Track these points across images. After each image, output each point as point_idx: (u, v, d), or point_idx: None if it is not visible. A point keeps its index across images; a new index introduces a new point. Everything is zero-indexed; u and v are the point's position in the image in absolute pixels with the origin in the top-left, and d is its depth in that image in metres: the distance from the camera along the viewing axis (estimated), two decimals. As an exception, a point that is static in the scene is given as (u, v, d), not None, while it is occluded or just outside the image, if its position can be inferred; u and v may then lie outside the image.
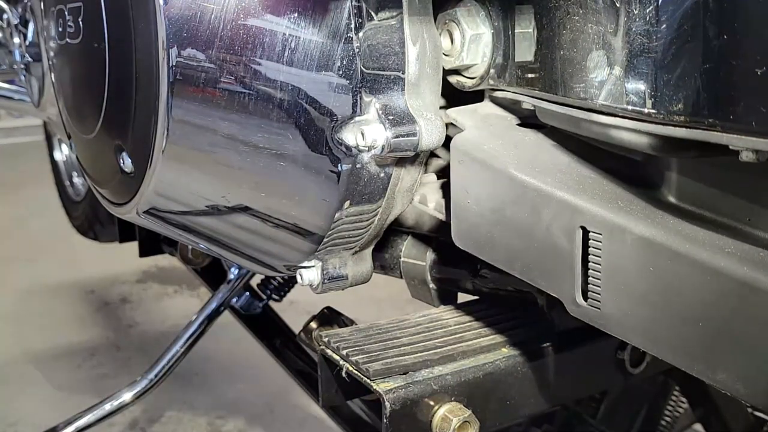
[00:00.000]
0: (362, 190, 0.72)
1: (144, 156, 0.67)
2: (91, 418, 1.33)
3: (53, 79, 0.90)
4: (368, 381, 0.71)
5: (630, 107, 0.53)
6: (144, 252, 1.63)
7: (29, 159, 3.97)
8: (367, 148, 0.68)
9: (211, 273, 1.57)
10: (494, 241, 0.67)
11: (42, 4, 0.88)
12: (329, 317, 1.01)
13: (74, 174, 2.33)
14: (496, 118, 0.73)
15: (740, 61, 0.46)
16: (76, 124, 0.83)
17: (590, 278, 0.58)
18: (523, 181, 0.63)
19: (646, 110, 0.52)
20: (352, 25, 0.67)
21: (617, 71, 0.55)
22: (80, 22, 0.75)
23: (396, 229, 0.85)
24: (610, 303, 0.57)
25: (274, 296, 1.47)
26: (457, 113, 0.73)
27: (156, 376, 1.36)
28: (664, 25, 0.50)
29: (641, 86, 0.52)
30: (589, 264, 0.57)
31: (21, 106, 1.59)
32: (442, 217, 0.79)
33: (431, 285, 0.88)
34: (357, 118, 0.68)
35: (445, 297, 0.90)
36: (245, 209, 0.71)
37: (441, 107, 0.75)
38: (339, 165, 0.69)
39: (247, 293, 1.47)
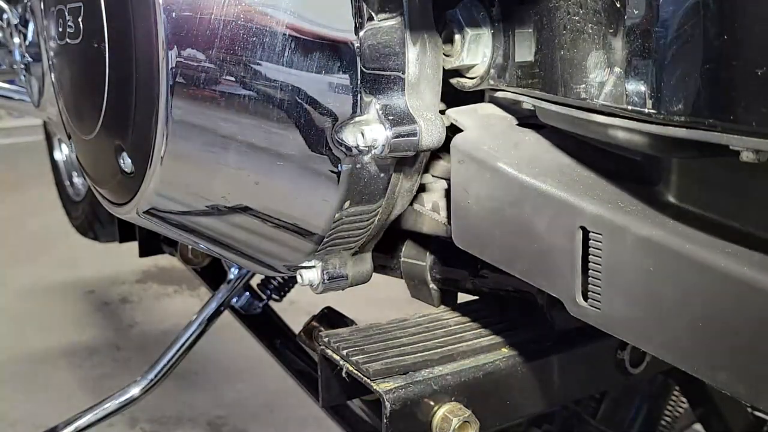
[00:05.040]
0: (362, 190, 0.72)
1: (144, 156, 0.67)
2: (91, 418, 1.33)
3: (53, 79, 0.90)
4: (368, 381, 0.71)
5: (630, 107, 0.53)
6: (144, 252, 1.63)
7: (29, 159, 3.97)
8: (367, 149, 0.68)
9: (211, 273, 1.57)
10: (494, 241, 0.67)
11: (42, 4, 0.88)
12: (329, 317, 1.01)
13: (74, 174, 2.32)
14: (496, 118, 0.73)
15: (740, 61, 0.46)
16: (76, 124, 0.83)
17: (590, 278, 0.58)
18: (523, 181, 0.63)
19: (646, 110, 0.52)
20: (353, 26, 0.67)
21: (617, 71, 0.55)
22: (80, 22, 0.75)
23: (396, 229, 0.85)
24: (610, 303, 0.57)
25: (274, 296, 1.47)
26: (457, 113, 0.73)
27: (156, 376, 1.36)
28: (664, 25, 0.50)
29: (641, 86, 0.52)
30: (589, 264, 0.57)
31: (21, 106, 1.59)
32: (440, 219, 0.79)
33: (431, 285, 0.88)
34: (357, 118, 0.68)
35: (445, 297, 0.90)
36: (245, 209, 0.71)
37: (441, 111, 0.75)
38: (339, 165, 0.69)
39: (247, 293, 1.47)
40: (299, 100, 0.66)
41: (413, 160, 0.74)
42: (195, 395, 2.29)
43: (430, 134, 0.70)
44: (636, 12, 0.52)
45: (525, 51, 0.66)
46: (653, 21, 0.51)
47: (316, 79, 0.66)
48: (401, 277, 0.92)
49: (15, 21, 1.45)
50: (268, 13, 0.64)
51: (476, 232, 0.69)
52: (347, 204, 0.72)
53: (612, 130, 0.57)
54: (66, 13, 0.78)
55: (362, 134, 0.67)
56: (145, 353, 2.48)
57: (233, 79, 0.64)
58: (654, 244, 0.53)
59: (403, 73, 0.70)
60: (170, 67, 0.62)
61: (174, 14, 0.62)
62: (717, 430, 1.22)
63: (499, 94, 0.71)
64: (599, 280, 0.57)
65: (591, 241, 0.57)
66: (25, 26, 1.41)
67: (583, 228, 0.58)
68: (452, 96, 0.75)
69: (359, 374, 0.72)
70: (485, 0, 0.70)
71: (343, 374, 0.74)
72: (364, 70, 0.68)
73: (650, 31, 0.51)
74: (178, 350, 1.37)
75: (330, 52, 0.66)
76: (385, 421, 0.69)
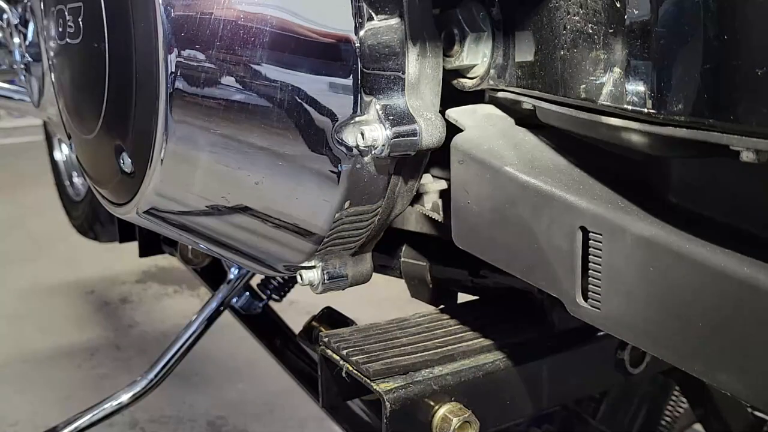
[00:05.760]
0: (362, 190, 0.72)
1: (144, 156, 0.67)
2: (91, 418, 1.33)
3: (53, 79, 0.90)
4: (368, 381, 0.71)
5: (630, 107, 0.53)
6: (144, 252, 1.63)
7: (29, 159, 3.97)
8: (367, 149, 0.68)
9: (211, 273, 1.57)
10: (494, 241, 0.67)
11: (42, 4, 0.88)
12: (329, 317, 1.01)
13: (74, 174, 2.33)
14: (496, 118, 0.73)
15: (740, 61, 0.46)
16: (76, 124, 0.83)
17: (590, 278, 0.58)
18: (523, 181, 0.63)
19: (646, 110, 0.52)
20: (353, 26, 0.67)
21: (617, 71, 0.55)
22: (80, 22, 0.75)
23: (396, 229, 0.85)
24: (610, 303, 0.57)
25: (274, 296, 1.47)
26: (457, 113, 0.73)
27: (156, 376, 1.36)
28: (664, 25, 0.50)
29: (641, 86, 0.52)
30: (589, 264, 0.57)
31: (21, 106, 1.59)
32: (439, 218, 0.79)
33: (431, 285, 0.88)
34: (357, 119, 0.68)
35: (445, 297, 0.90)
36: (245, 209, 0.71)
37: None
38: (339, 165, 0.69)
39: (247, 293, 1.47)
40: (299, 101, 0.66)
41: (413, 160, 0.74)
42: (195, 395, 2.29)
43: (430, 134, 0.70)
44: (636, 12, 0.52)
45: (525, 51, 0.66)
46: (653, 21, 0.51)
47: (316, 80, 0.66)
48: (401, 277, 0.92)
49: (15, 21, 1.45)
50: (268, 13, 0.64)
51: (476, 232, 0.69)
52: (347, 204, 0.72)
53: (612, 130, 0.57)
54: (66, 13, 0.78)
55: (362, 134, 0.67)
56: (145, 353, 2.48)
57: (233, 79, 0.64)
58: (654, 244, 0.53)
59: (403, 73, 0.70)
60: (170, 67, 0.62)
61: (174, 14, 0.62)
62: (717, 430, 1.21)
63: (499, 94, 0.71)
64: (599, 280, 0.57)
65: (591, 241, 0.57)
66: (25, 26, 1.41)
67: (583, 228, 0.58)
68: (452, 96, 0.75)
69: (359, 374, 0.72)
70: (485, 0, 0.70)
71: (343, 374, 0.74)
72: (364, 70, 0.67)
73: (650, 31, 0.51)
74: (178, 350, 1.37)
75: (330, 52, 0.66)
76: (385, 421, 0.69)
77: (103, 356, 2.54)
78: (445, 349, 0.76)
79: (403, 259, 0.90)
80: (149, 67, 0.64)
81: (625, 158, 0.63)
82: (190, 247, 1.50)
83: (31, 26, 1.39)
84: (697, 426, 1.33)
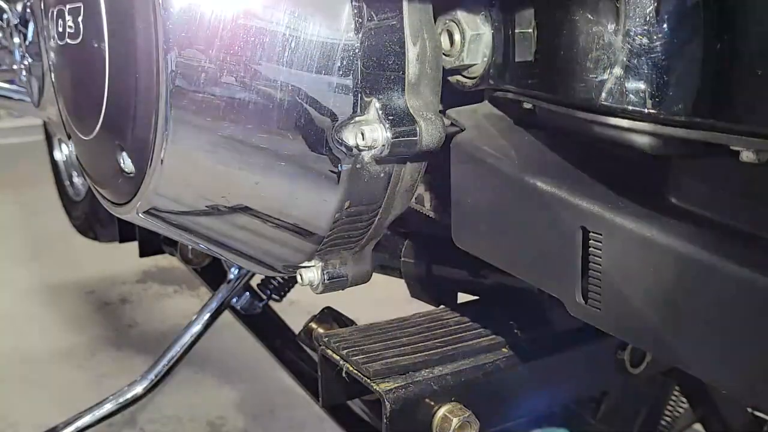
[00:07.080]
0: (362, 190, 0.72)
1: (144, 156, 0.67)
2: (91, 418, 1.33)
3: (53, 79, 0.90)
4: (368, 381, 0.72)
5: (630, 107, 0.53)
6: (144, 252, 1.63)
7: (29, 159, 3.97)
8: (367, 149, 0.68)
9: (211, 273, 1.57)
10: (494, 241, 0.67)
11: (42, 4, 0.88)
12: (329, 317, 1.01)
13: (74, 174, 2.33)
14: (496, 118, 0.73)
15: (740, 61, 0.46)
16: (76, 124, 0.83)
17: (590, 278, 0.58)
18: (523, 181, 0.63)
19: (646, 110, 0.52)
20: (353, 25, 0.67)
21: (617, 71, 0.55)
22: (80, 22, 0.75)
23: (396, 229, 0.85)
24: (610, 303, 0.57)
25: (274, 296, 1.47)
26: (457, 113, 0.73)
27: (156, 376, 1.37)
28: (664, 25, 0.51)
29: (641, 86, 0.52)
30: (589, 264, 0.57)
31: (21, 106, 1.59)
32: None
33: (431, 285, 0.88)
34: (357, 118, 0.68)
35: (445, 297, 0.90)
36: (245, 209, 0.71)
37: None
38: (339, 165, 0.69)
39: (247, 293, 1.47)
40: (299, 100, 0.66)
41: (413, 160, 0.74)
42: (195, 395, 2.29)
43: (430, 134, 0.70)
44: (636, 12, 0.52)
45: (525, 51, 0.66)
46: (653, 21, 0.51)
47: (316, 79, 0.66)
48: (401, 277, 0.92)
49: (15, 21, 1.45)
50: (268, 13, 0.64)
51: (476, 232, 0.69)
52: (347, 204, 0.72)
53: (612, 130, 0.57)
54: (66, 13, 0.78)
55: (362, 134, 0.67)
56: (145, 353, 2.48)
57: (233, 79, 0.64)
58: (654, 244, 0.53)
59: (403, 73, 0.70)
60: (170, 67, 0.62)
61: (174, 14, 0.62)
62: (717, 430, 1.22)
63: (499, 94, 0.71)
64: (599, 280, 0.57)
65: (591, 241, 0.57)
66: (25, 26, 1.41)
67: (583, 228, 0.58)
68: (452, 96, 0.75)
69: (359, 374, 0.72)
70: (485, 0, 0.70)
71: (343, 374, 0.75)
72: (363, 69, 0.68)
73: (650, 31, 0.51)
74: (178, 350, 1.38)
75: (330, 52, 0.66)
76: (385, 421, 0.69)
77: (103, 356, 2.54)
78: (445, 349, 0.76)
79: (403, 259, 0.90)
80: (149, 67, 0.64)
81: (625, 158, 0.63)
82: (190, 247, 1.50)
83: (31, 26, 1.39)
84: (697, 426, 1.33)
